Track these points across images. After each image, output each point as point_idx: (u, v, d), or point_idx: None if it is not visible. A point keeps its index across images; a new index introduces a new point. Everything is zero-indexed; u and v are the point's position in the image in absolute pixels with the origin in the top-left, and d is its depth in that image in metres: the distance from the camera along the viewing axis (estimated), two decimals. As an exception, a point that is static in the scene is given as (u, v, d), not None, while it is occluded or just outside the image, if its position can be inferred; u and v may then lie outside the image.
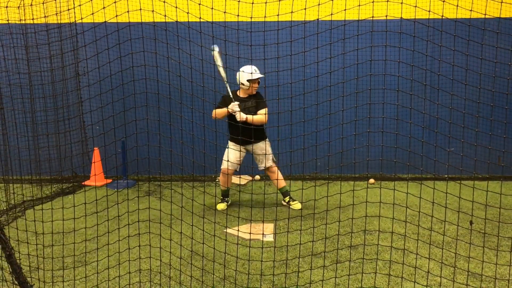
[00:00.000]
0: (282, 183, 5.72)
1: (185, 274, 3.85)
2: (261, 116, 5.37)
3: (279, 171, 5.73)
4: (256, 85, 5.47)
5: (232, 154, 5.54)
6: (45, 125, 6.82)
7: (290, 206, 5.62)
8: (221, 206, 5.72)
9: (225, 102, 5.43)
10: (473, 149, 3.95)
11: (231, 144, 5.61)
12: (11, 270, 3.22)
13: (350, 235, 4.51)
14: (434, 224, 4.80)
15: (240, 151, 5.53)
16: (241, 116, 5.29)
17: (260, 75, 5.40)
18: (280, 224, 5.02)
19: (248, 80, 5.37)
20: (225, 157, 5.55)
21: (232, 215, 5.21)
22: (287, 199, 5.72)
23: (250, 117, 5.35)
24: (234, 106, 5.31)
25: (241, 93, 5.53)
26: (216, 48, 5.31)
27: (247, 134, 5.12)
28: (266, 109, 5.40)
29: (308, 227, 4.91)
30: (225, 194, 5.82)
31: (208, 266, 3.99)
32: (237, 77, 5.47)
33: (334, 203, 5.31)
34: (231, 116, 5.43)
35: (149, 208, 3.98)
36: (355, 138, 4.37)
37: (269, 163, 5.60)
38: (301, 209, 5.55)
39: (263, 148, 5.50)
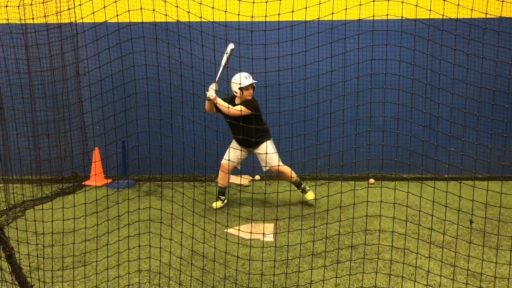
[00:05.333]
0: (294, 177, 5.69)
1: (185, 274, 3.85)
2: (234, 109, 5.31)
3: (287, 167, 5.69)
4: (251, 91, 5.44)
5: (232, 153, 5.56)
6: (45, 125, 6.81)
7: (304, 196, 5.69)
8: (217, 204, 5.73)
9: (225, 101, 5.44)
10: (473, 149, 3.95)
11: (233, 143, 5.63)
12: (11, 270, 3.21)
13: (350, 235, 4.50)
14: (434, 224, 4.79)
15: (241, 150, 5.53)
16: (210, 94, 5.26)
17: (251, 81, 5.37)
18: (280, 224, 5.02)
19: (239, 88, 5.36)
20: (225, 156, 5.59)
21: (233, 215, 5.20)
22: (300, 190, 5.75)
23: (220, 100, 5.31)
24: (210, 88, 5.28)
25: (236, 100, 5.53)
26: (231, 46, 5.23)
27: (247, 134, 5.11)
28: (242, 106, 5.34)
29: (309, 227, 4.90)
30: (221, 193, 5.81)
31: (208, 266, 3.99)
32: (232, 86, 5.48)
33: (334, 203, 5.31)
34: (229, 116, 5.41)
35: (150, 208, 3.98)
36: (356, 137, 4.37)
37: (275, 162, 5.53)
38: (314, 199, 5.63)
39: (265, 149, 5.45)
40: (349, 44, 5.52)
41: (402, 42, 4.18)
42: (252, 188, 6.39)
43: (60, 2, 6.04)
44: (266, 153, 5.37)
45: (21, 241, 4.26)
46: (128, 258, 3.91)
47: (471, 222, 4.59)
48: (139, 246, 3.91)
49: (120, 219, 4.49)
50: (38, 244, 4.10)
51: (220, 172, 5.71)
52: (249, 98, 5.43)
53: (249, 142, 5.32)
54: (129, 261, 3.89)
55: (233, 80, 5.43)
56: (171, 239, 4.09)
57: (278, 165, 5.50)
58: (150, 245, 3.99)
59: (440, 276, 3.68)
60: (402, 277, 3.69)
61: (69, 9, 4.99)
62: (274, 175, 6.50)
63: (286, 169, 5.61)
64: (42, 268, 3.92)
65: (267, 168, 5.59)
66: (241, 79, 5.30)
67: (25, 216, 5.14)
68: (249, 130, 5.10)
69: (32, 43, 6.41)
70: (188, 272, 3.88)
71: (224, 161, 5.61)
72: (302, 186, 5.73)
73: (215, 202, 5.76)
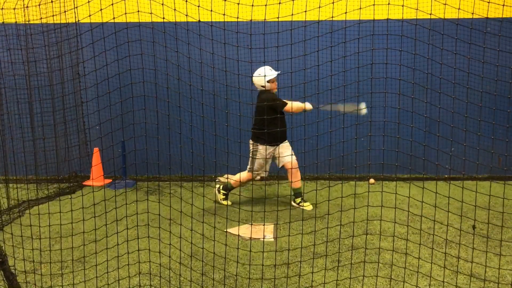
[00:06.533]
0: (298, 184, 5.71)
1: (184, 277, 3.81)
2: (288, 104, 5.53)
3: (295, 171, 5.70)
4: (276, 83, 5.62)
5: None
6: (44, 127, 6.78)
7: (303, 207, 5.64)
8: (227, 202, 5.86)
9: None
10: (474, 152, 3.92)
11: (264, 148, 5.57)
12: (3, 277, 3.17)
13: (351, 236, 4.47)
14: (435, 225, 4.76)
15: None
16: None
17: (276, 73, 5.54)
18: (281, 225, 4.99)
19: (267, 81, 5.50)
20: (288, 158, 5.57)
21: (233, 216, 5.17)
22: (298, 200, 5.72)
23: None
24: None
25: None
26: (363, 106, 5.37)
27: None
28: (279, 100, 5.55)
29: (309, 228, 4.87)
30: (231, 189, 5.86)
31: (208, 267, 3.95)
32: (257, 81, 5.54)
33: (335, 205, 5.27)
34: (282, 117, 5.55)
35: (148, 209, 3.95)
36: (356, 141, 4.35)
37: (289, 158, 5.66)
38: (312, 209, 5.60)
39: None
40: (349, 48, 5.49)
41: (403, 46, 4.16)
42: (252, 189, 6.35)
43: (59, 3, 6.02)
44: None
45: (17, 245, 4.22)
46: (128, 260, 3.87)
47: (473, 227, 4.55)
48: (138, 247, 3.88)
49: (120, 220, 4.46)
50: (36, 248, 4.07)
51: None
52: (275, 90, 5.65)
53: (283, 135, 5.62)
54: (129, 264, 3.85)
55: (257, 74, 5.51)
56: (170, 242, 4.06)
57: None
58: (149, 248, 3.96)
59: (443, 280, 3.64)
60: (404, 281, 3.65)
61: (66, 11, 4.96)
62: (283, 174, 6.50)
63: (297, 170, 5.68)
64: (40, 271, 3.88)
65: (281, 164, 5.66)
66: (267, 72, 5.47)
67: (23, 218, 5.11)
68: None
69: (30, 45, 6.38)
70: (188, 273, 3.85)
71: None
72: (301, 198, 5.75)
73: (225, 200, 5.84)
